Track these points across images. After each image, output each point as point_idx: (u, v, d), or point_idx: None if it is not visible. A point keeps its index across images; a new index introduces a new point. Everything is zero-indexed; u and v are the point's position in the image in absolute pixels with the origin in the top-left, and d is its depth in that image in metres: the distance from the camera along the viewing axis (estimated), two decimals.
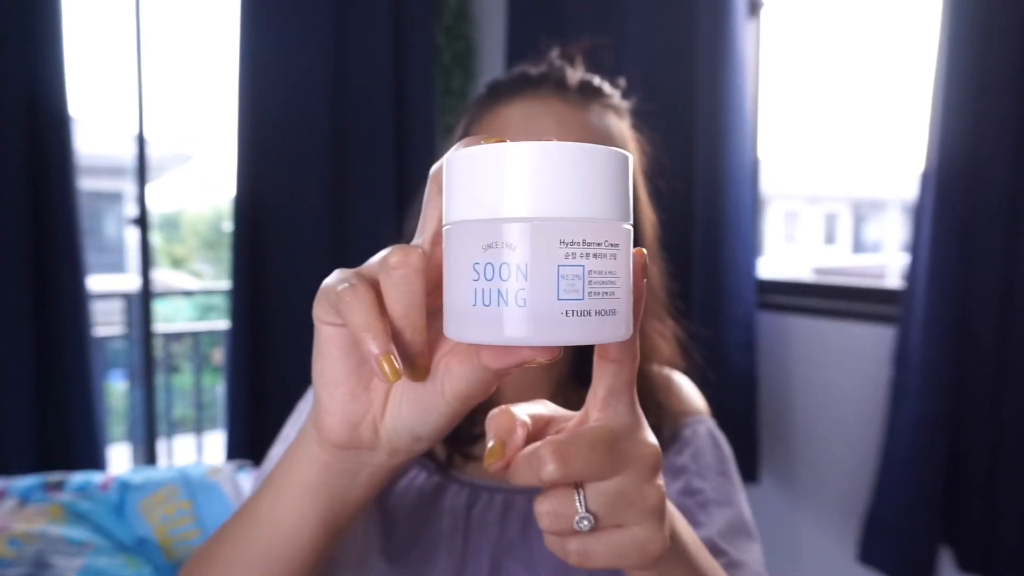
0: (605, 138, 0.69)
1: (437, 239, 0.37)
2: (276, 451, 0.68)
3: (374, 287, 0.35)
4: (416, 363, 0.36)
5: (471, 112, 0.73)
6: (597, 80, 0.73)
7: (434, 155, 2.47)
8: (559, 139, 0.65)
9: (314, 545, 0.44)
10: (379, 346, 0.33)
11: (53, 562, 1.28)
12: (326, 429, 0.39)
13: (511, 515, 0.67)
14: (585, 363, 0.73)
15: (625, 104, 0.75)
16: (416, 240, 0.38)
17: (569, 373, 0.74)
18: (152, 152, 2.27)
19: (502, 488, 0.68)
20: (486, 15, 2.59)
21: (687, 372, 0.80)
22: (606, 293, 0.31)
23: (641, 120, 0.77)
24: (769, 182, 2.11)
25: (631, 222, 0.32)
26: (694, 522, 0.67)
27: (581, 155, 0.31)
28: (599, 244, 0.30)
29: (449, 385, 0.37)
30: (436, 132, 2.50)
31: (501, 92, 0.71)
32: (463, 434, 0.69)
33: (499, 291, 0.30)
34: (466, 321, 0.31)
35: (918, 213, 1.45)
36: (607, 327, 0.31)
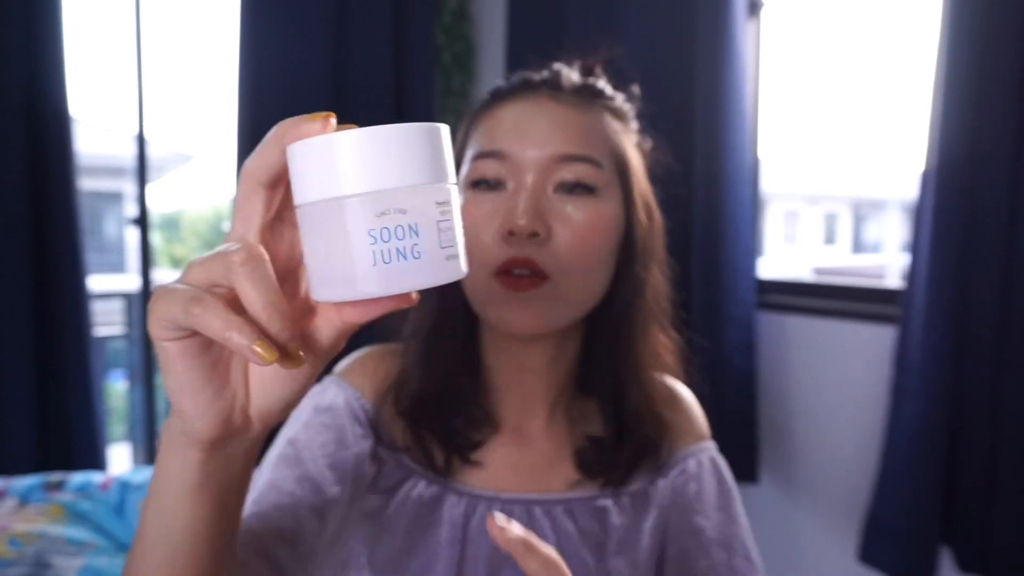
0: (602, 140, 0.67)
1: (266, 233, 0.39)
2: (275, 452, 0.67)
3: (221, 294, 0.36)
4: (289, 349, 0.36)
5: (473, 114, 0.72)
6: (600, 83, 0.72)
7: None
8: (547, 134, 0.64)
9: (214, 534, 0.44)
10: (247, 337, 0.34)
11: (53, 562, 1.28)
12: (199, 433, 0.39)
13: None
14: (589, 373, 0.73)
15: (628, 107, 0.74)
16: (238, 236, 0.39)
17: (571, 382, 0.73)
18: (152, 152, 2.28)
19: (500, 498, 0.68)
20: (486, 15, 2.60)
21: (687, 381, 0.79)
22: (456, 241, 0.37)
23: (647, 124, 0.76)
24: (769, 182, 2.11)
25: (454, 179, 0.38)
26: (695, 565, 0.68)
27: (439, 134, 0.37)
28: (447, 202, 0.37)
29: (317, 345, 0.40)
30: None
31: (501, 95, 0.70)
32: (463, 440, 0.69)
33: (397, 249, 0.35)
34: (370, 278, 0.35)
35: (918, 213, 1.45)
36: (459, 267, 0.37)
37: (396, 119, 2.37)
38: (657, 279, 0.73)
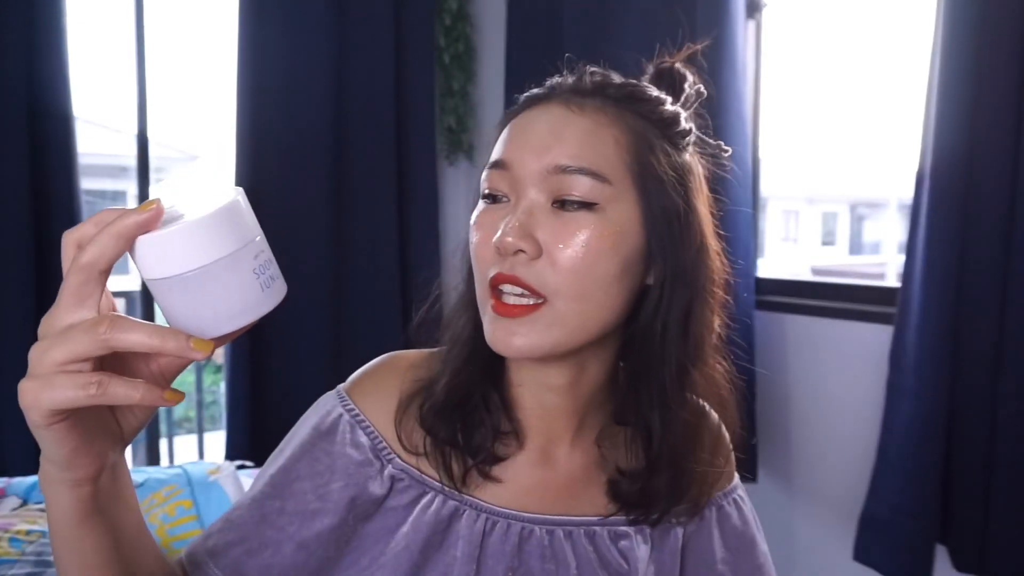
0: (614, 150, 0.60)
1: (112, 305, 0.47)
2: (278, 462, 0.66)
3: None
4: (195, 343, 0.44)
5: (499, 124, 0.67)
6: (630, 85, 0.65)
7: (434, 154, 2.47)
8: (546, 141, 0.60)
9: (120, 556, 0.51)
10: (142, 391, 0.42)
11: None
12: (83, 473, 0.46)
13: (528, 547, 0.66)
14: (618, 399, 0.69)
15: (674, 111, 0.65)
16: (89, 307, 0.45)
17: (599, 406, 0.70)
18: (154, 152, 2.28)
19: (520, 516, 0.66)
20: (486, 15, 2.60)
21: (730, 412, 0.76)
22: (274, 272, 0.48)
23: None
24: (768, 182, 2.11)
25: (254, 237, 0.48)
26: None
27: (243, 202, 0.48)
28: (264, 251, 0.48)
29: (166, 377, 0.49)
30: (436, 132, 2.50)
31: (525, 103, 0.66)
32: (484, 453, 0.66)
33: (270, 276, 0.47)
34: (263, 301, 0.47)
35: (914, 214, 1.46)
36: (281, 291, 0.49)
37: (396, 119, 2.37)
38: (699, 306, 0.66)
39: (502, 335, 0.59)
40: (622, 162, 0.60)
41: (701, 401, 0.72)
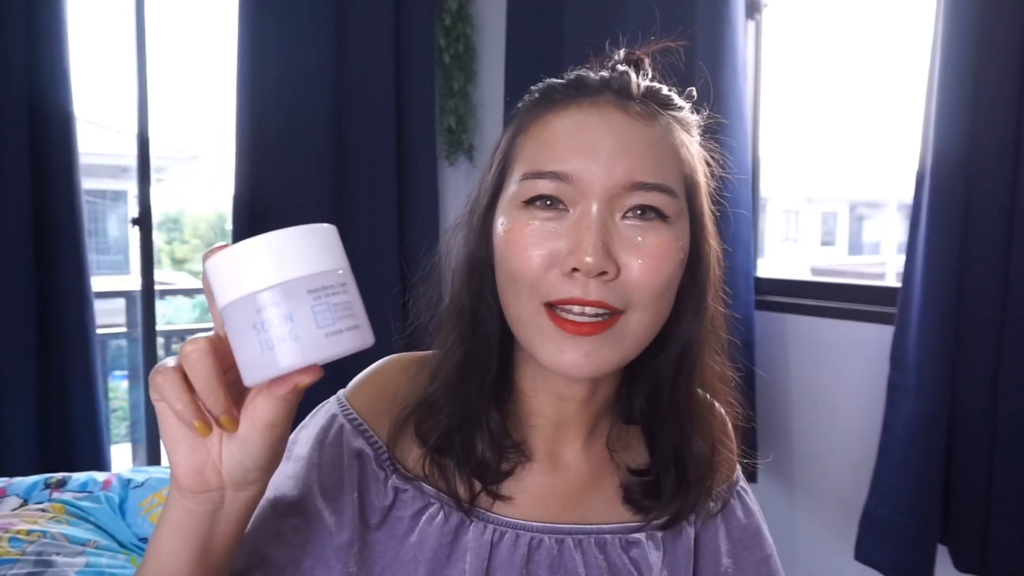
0: (671, 158, 0.60)
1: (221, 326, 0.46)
2: (287, 481, 0.64)
3: (180, 370, 0.45)
4: (223, 419, 0.45)
5: (520, 118, 0.64)
6: (665, 90, 0.63)
7: (434, 154, 2.48)
8: (616, 155, 0.57)
9: (193, 574, 0.51)
10: (188, 412, 0.44)
11: (55, 561, 1.29)
12: (178, 479, 0.48)
13: (537, 557, 0.64)
14: (632, 400, 0.69)
15: (695, 118, 0.66)
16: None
17: (611, 408, 0.69)
18: (155, 152, 2.28)
19: (530, 527, 0.65)
20: (486, 15, 2.60)
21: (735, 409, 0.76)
22: (347, 316, 0.43)
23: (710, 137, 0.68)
24: (768, 182, 2.11)
25: (348, 265, 0.45)
26: None
27: (306, 233, 0.43)
28: (333, 286, 0.43)
29: (258, 419, 0.46)
30: (436, 132, 2.50)
31: (555, 98, 0.61)
32: (491, 473, 0.64)
33: (277, 337, 0.41)
34: (256, 368, 0.42)
35: (914, 214, 1.46)
36: (356, 337, 0.43)
37: (396, 119, 2.37)
38: (715, 306, 0.66)
39: (574, 356, 0.57)
40: (681, 174, 0.60)
41: (704, 393, 0.71)
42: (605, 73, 0.63)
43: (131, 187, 2.45)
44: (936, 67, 1.40)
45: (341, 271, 0.44)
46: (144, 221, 2.25)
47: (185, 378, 0.45)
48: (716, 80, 1.78)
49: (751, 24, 1.98)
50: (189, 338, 0.46)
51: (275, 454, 0.48)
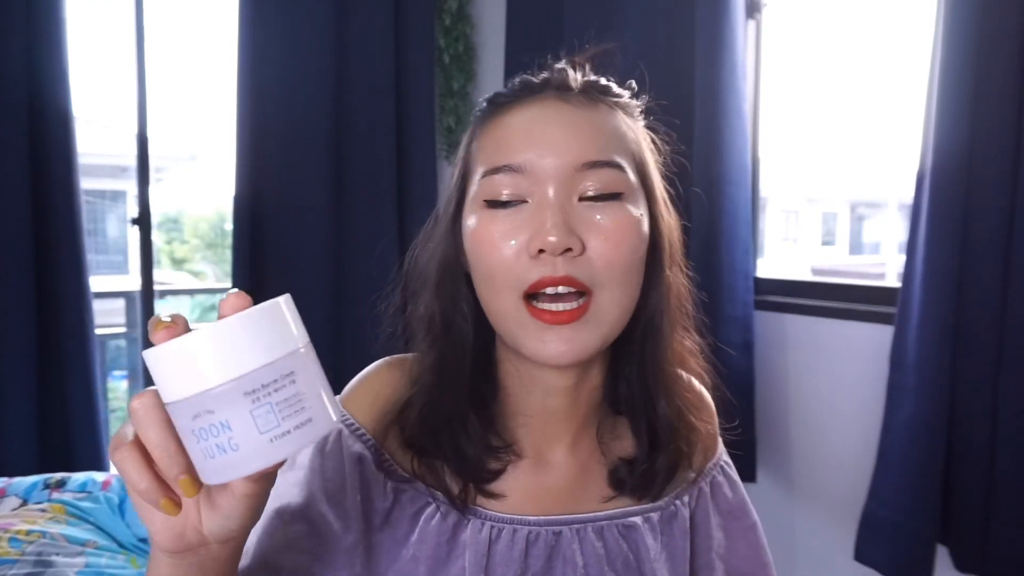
0: (616, 137, 0.63)
1: None
2: (291, 488, 0.65)
3: (137, 442, 0.43)
4: (180, 482, 0.42)
5: (474, 126, 0.67)
6: (603, 81, 0.67)
7: (434, 154, 2.47)
8: (564, 140, 0.60)
9: None
10: (152, 492, 0.42)
11: (54, 561, 1.29)
12: (159, 544, 0.47)
13: (535, 550, 0.65)
14: (618, 389, 0.70)
15: (636, 103, 0.68)
16: None
17: (598, 401, 0.70)
18: (155, 151, 2.28)
19: (527, 520, 0.66)
20: (486, 15, 2.60)
21: (710, 383, 0.77)
22: (297, 411, 0.39)
23: (655, 119, 0.71)
24: (768, 182, 2.11)
25: (299, 344, 0.40)
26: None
27: (238, 323, 0.38)
28: (275, 381, 0.38)
29: (237, 490, 0.44)
30: (436, 132, 2.50)
31: (502, 102, 0.65)
32: (481, 472, 0.65)
33: (216, 445, 0.38)
34: (205, 472, 0.40)
35: (914, 214, 1.46)
36: (308, 434, 0.39)
37: (396, 120, 2.37)
38: (679, 280, 0.69)
39: (557, 345, 0.59)
40: (628, 152, 0.63)
41: (682, 372, 0.73)
42: (545, 74, 0.67)
43: (130, 187, 2.45)
44: (936, 67, 1.40)
45: (289, 354, 0.39)
46: (144, 221, 2.25)
47: (144, 450, 0.43)
48: (716, 80, 1.78)
49: (751, 24, 1.98)
50: (135, 394, 0.43)
51: (258, 511, 0.47)
